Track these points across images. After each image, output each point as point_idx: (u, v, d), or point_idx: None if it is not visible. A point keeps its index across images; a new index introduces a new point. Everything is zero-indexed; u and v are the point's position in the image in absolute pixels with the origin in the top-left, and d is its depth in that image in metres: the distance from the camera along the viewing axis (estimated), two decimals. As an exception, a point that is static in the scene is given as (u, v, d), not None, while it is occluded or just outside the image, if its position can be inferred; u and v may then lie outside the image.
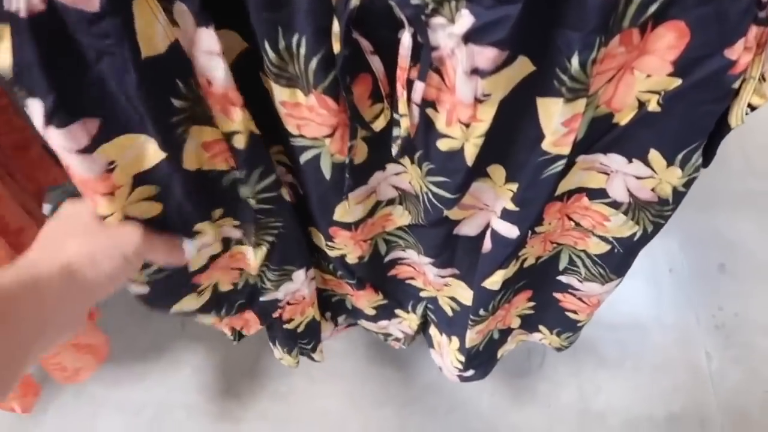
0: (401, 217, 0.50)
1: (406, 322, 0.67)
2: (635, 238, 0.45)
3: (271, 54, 0.33)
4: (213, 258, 0.50)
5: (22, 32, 0.28)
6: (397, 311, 0.66)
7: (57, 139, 0.32)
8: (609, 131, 0.38)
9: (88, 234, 0.38)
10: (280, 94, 0.36)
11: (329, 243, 0.51)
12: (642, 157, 0.39)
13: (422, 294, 0.62)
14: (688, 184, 0.40)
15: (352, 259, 0.53)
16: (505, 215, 0.43)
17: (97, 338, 0.69)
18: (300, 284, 0.56)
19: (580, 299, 0.57)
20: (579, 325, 0.62)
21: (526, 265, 0.52)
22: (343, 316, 0.72)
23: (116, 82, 0.31)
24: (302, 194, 0.47)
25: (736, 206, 1.14)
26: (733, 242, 1.10)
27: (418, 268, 0.57)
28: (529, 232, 0.45)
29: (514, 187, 0.41)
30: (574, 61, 0.31)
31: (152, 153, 0.37)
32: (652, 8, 0.30)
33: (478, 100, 0.33)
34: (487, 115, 0.34)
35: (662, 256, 1.09)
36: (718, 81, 0.33)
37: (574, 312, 0.60)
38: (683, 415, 0.93)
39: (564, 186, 0.42)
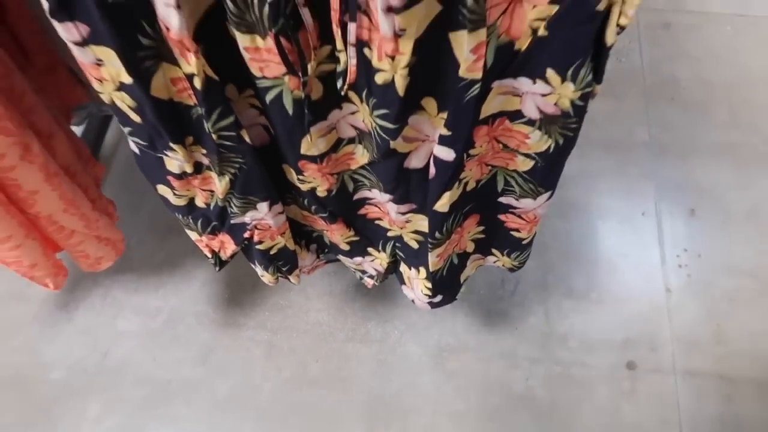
0: (362, 156, 0.58)
1: (378, 260, 0.77)
2: (551, 151, 0.54)
3: (230, 5, 0.41)
4: (187, 174, 0.60)
5: None
6: (369, 249, 0.75)
7: (58, 29, 0.43)
8: (514, 57, 0.46)
9: None
10: (242, 40, 0.44)
11: (300, 177, 0.60)
12: (542, 77, 0.47)
13: (389, 234, 0.71)
14: (583, 98, 0.47)
15: (321, 191, 0.62)
16: (442, 140, 0.52)
17: (116, 234, 0.81)
18: (264, 214, 0.65)
19: (519, 216, 0.66)
20: (523, 243, 0.71)
21: (468, 188, 0.60)
22: (323, 250, 0.82)
23: (90, 13, 0.41)
24: (274, 134, 0.56)
25: (715, 156, 1.19)
26: (706, 190, 1.16)
27: (383, 207, 0.66)
28: (465, 155, 0.53)
29: (445, 114, 0.50)
30: None
31: (124, 73, 0.46)
32: None
33: (397, 35, 0.41)
34: (406, 48, 0.42)
35: (637, 199, 1.16)
36: (583, 4, 0.40)
37: (517, 230, 0.69)
38: (638, 341, 1.02)
39: (487, 110, 0.50)
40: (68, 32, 0.43)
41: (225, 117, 0.51)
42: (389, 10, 0.39)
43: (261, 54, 0.45)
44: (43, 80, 0.73)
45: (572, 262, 1.11)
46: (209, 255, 0.76)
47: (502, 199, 0.64)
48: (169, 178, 0.61)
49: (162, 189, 0.64)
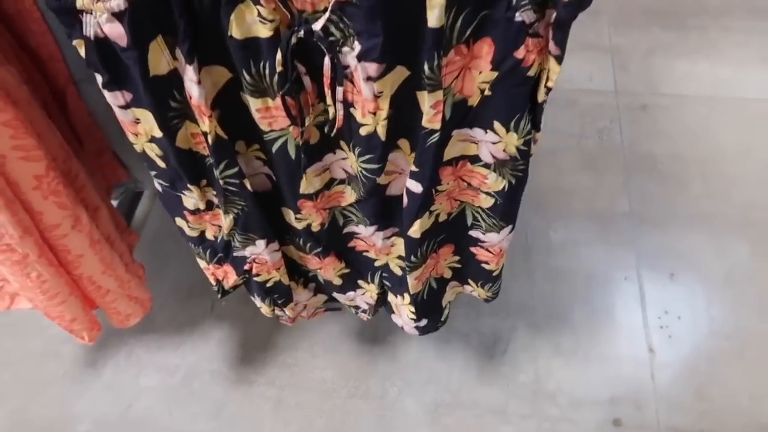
0: (350, 195, 0.70)
1: (368, 292, 0.87)
2: (506, 190, 0.64)
3: (247, 77, 0.54)
4: (200, 210, 0.72)
5: (90, 44, 0.50)
6: (360, 281, 0.86)
7: (108, 96, 0.55)
8: (468, 112, 0.57)
9: None
10: (255, 104, 0.57)
11: (297, 216, 0.71)
12: (491, 128, 0.58)
13: (376, 263, 0.82)
14: (526, 144, 0.58)
15: (315, 226, 0.73)
16: (412, 175, 0.63)
17: (144, 294, 0.92)
18: (261, 250, 0.76)
19: (487, 250, 0.75)
20: (494, 275, 0.80)
21: (440, 219, 0.71)
22: (321, 292, 0.92)
23: (135, 84, 0.53)
24: (276, 180, 0.67)
25: (691, 225, 1.29)
26: (685, 256, 1.25)
27: (369, 241, 0.77)
28: (433, 190, 0.64)
29: (415, 153, 0.61)
30: (427, 67, 0.50)
31: (156, 129, 0.59)
32: (466, 33, 0.49)
33: (376, 96, 0.53)
34: (384, 105, 0.54)
35: (620, 265, 1.25)
36: (516, 72, 0.52)
37: (487, 263, 0.78)
38: (623, 399, 1.08)
39: (450, 154, 0.62)
40: (115, 98, 0.56)
41: (230, 167, 0.63)
42: (368, 79, 0.52)
43: (270, 112, 0.58)
44: (92, 163, 0.88)
45: (560, 324, 1.19)
46: (214, 283, 0.86)
47: (472, 233, 0.74)
48: (185, 212, 0.73)
49: (179, 221, 0.76)
